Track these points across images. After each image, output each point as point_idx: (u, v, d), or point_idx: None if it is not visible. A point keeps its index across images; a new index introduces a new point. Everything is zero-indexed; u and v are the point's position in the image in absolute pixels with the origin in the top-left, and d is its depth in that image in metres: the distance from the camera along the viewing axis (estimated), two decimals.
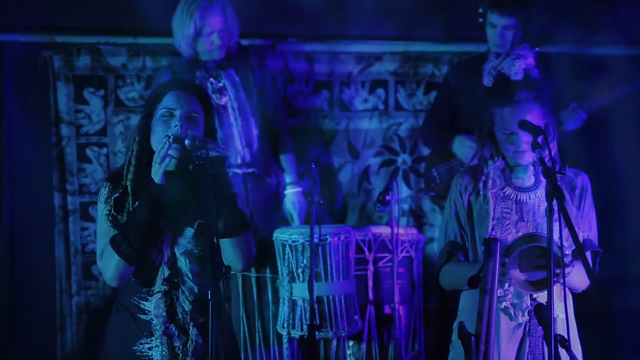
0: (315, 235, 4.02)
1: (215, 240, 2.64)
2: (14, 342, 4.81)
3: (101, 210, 2.92)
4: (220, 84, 4.53)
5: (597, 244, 3.20)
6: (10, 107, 4.80)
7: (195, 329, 2.88)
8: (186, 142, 2.78)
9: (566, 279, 2.92)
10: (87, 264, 4.90)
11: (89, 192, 4.91)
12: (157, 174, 2.81)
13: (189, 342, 2.88)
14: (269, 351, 4.38)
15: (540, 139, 2.96)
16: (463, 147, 4.68)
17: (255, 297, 4.38)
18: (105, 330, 3.04)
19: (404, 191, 5.16)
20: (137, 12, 4.91)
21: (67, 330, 4.86)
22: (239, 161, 4.51)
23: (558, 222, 2.82)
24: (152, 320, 2.88)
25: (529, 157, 3.11)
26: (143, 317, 2.90)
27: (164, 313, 2.87)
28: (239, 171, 4.52)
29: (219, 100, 4.50)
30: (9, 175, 4.80)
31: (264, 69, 4.67)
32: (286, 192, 4.68)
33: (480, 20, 4.64)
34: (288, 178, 4.69)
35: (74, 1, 4.87)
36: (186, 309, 2.89)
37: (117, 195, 2.90)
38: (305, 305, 4.21)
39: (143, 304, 2.90)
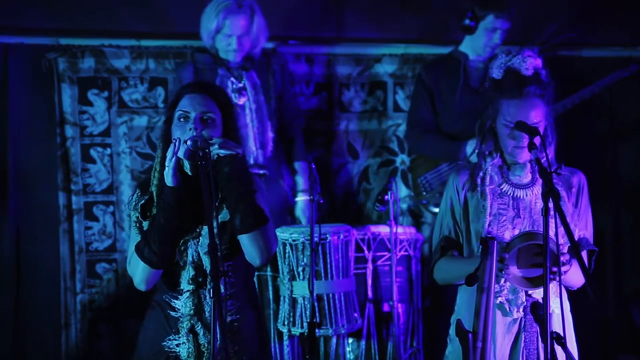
0: (315, 234, 4.03)
1: (216, 240, 2.66)
2: (19, 339, 4.82)
3: (131, 217, 2.97)
4: (241, 85, 4.57)
5: (592, 243, 3.20)
6: (15, 109, 4.81)
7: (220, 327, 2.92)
8: (188, 143, 2.78)
9: (563, 277, 2.94)
10: (91, 263, 4.93)
11: (93, 192, 4.94)
12: (167, 176, 2.83)
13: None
14: (270, 348, 4.41)
15: (536, 140, 2.99)
16: None
17: None
18: (140, 326, 3.06)
19: (403, 191, 5.16)
20: (140, 15, 4.97)
21: (71, 328, 4.88)
22: (252, 162, 4.54)
23: (554, 220, 2.83)
24: (180, 317, 2.92)
25: (527, 153, 3.10)
26: (173, 314, 2.93)
27: (191, 311, 2.90)
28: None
29: (237, 100, 4.54)
30: (14, 175, 4.81)
31: (285, 75, 4.72)
32: (297, 199, 4.70)
33: (472, 23, 4.63)
34: (300, 185, 4.71)
35: (78, 4, 4.89)
36: None
37: (143, 202, 2.93)
38: (306, 303, 4.24)
39: (174, 301, 2.93)
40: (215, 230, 2.68)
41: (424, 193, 4.83)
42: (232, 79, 4.58)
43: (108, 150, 4.97)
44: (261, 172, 4.56)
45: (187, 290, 2.91)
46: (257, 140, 4.56)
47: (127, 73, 4.96)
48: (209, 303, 2.89)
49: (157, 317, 2.98)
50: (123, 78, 4.96)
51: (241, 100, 4.56)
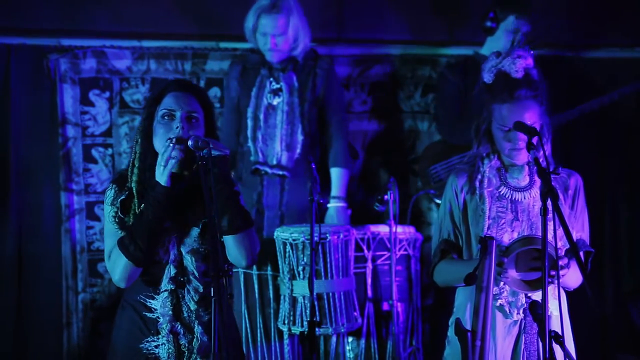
0: (315, 234, 4.03)
1: (218, 239, 2.67)
2: (21, 338, 4.83)
3: (108, 212, 2.93)
4: (277, 86, 4.58)
5: (589, 244, 3.21)
6: (17, 109, 4.82)
7: (200, 327, 2.90)
8: (189, 142, 2.78)
9: (561, 279, 2.94)
10: (93, 262, 4.94)
11: (94, 191, 4.95)
12: (162, 177, 2.83)
13: (195, 340, 2.90)
14: (270, 347, 4.42)
15: (535, 140, 2.98)
16: None
17: (256, 294, 4.43)
18: (111, 327, 3.06)
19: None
20: (142, 16, 4.99)
21: (73, 327, 4.89)
22: (274, 162, 4.55)
23: (552, 222, 2.83)
24: (159, 318, 2.90)
25: (524, 155, 3.11)
26: (149, 315, 2.92)
27: (170, 312, 2.89)
28: (269, 170, 4.55)
29: (271, 100, 4.56)
30: (16, 175, 4.82)
31: (331, 77, 4.69)
32: (329, 205, 4.63)
33: (493, 25, 4.66)
34: (334, 192, 4.64)
35: (80, 5, 4.90)
36: (192, 307, 2.91)
37: (123, 197, 2.91)
38: (306, 302, 4.24)
39: (149, 302, 2.92)
40: (215, 229, 2.68)
41: (432, 183, 4.87)
42: (271, 79, 4.59)
43: (109, 151, 4.98)
44: (281, 172, 4.56)
45: (165, 290, 2.91)
46: (284, 142, 4.55)
47: (129, 74, 4.97)
48: (187, 303, 2.91)
49: (130, 317, 2.96)
50: (124, 79, 4.97)
51: (275, 101, 4.56)
